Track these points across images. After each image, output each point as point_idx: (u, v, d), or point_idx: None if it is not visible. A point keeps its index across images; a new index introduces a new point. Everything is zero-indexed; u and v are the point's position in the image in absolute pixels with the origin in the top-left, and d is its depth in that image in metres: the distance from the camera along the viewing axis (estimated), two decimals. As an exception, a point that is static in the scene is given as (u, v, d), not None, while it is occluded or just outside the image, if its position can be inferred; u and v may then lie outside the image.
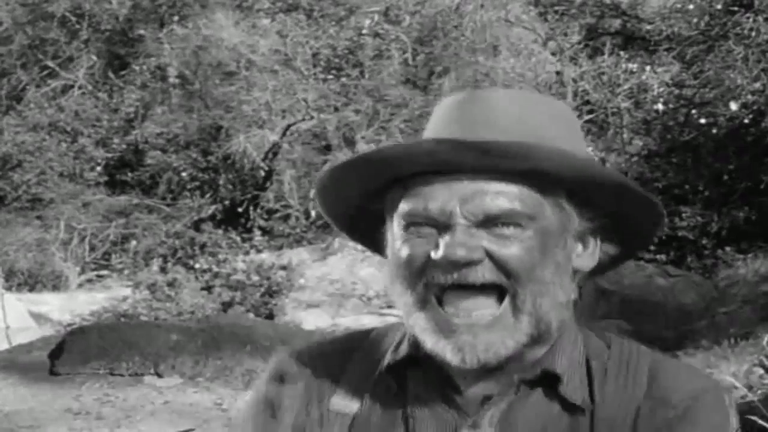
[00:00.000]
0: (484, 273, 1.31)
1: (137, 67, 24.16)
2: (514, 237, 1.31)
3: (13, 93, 24.50)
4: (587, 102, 20.95)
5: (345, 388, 1.43)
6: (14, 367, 10.60)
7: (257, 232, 19.46)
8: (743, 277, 13.84)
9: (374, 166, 1.37)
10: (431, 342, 1.34)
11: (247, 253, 17.43)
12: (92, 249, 21.65)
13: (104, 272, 20.72)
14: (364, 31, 23.49)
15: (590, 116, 21.11)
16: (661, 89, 20.29)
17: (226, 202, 22.56)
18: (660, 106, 20.23)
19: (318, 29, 22.94)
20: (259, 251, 18.02)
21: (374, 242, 1.47)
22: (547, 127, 1.37)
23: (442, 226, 1.32)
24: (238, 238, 18.52)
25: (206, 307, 14.11)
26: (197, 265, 15.93)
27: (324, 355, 1.49)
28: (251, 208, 22.00)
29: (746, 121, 17.23)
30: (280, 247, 19.74)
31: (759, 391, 6.47)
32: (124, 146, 23.76)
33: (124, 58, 24.94)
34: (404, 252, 1.34)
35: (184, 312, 13.75)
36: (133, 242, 21.27)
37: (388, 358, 1.42)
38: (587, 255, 1.41)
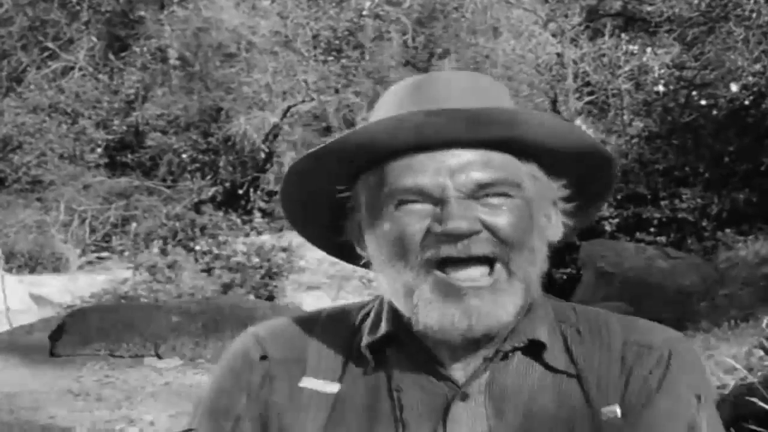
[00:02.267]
0: (484, 244, 1.32)
1: (138, 49, 24.13)
2: (505, 206, 1.32)
3: (13, 74, 24.48)
4: (588, 83, 20.93)
5: (315, 369, 1.42)
6: (15, 348, 10.62)
7: (257, 214, 19.46)
8: (743, 259, 13.85)
9: (356, 146, 1.35)
10: (438, 311, 1.32)
11: (247, 235, 17.43)
12: (92, 231, 21.68)
13: (104, 254, 20.74)
14: (364, 13, 23.45)
15: (591, 98, 21.08)
16: (662, 71, 20.27)
17: (227, 184, 22.57)
18: (660, 88, 20.22)
19: (318, 10, 22.89)
20: (259, 233, 18.02)
21: (333, 235, 1.44)
22: (502, 100, 1.39)
23: (436, 200, 1.32)
24: (239, 220, 18.51)
25: (206, 289, 14.13)
26: (197, 247, 15.94)
27: (283, 337, 1.46)
28: (251, 189, 22.01)
29: (747, 102, 17.25)
30: (281, 229, 19.70)
31: (759, 373, 6.46)
32: (124, 128, 23.76)
33: (124, 39, 24.91)
34: (396, 230, 1.33)
35: (185, 294, 13.76)
36: (134, 224, 21.29)
37: (366, 337, 1.41)
38: (553, 225, 1.42)
